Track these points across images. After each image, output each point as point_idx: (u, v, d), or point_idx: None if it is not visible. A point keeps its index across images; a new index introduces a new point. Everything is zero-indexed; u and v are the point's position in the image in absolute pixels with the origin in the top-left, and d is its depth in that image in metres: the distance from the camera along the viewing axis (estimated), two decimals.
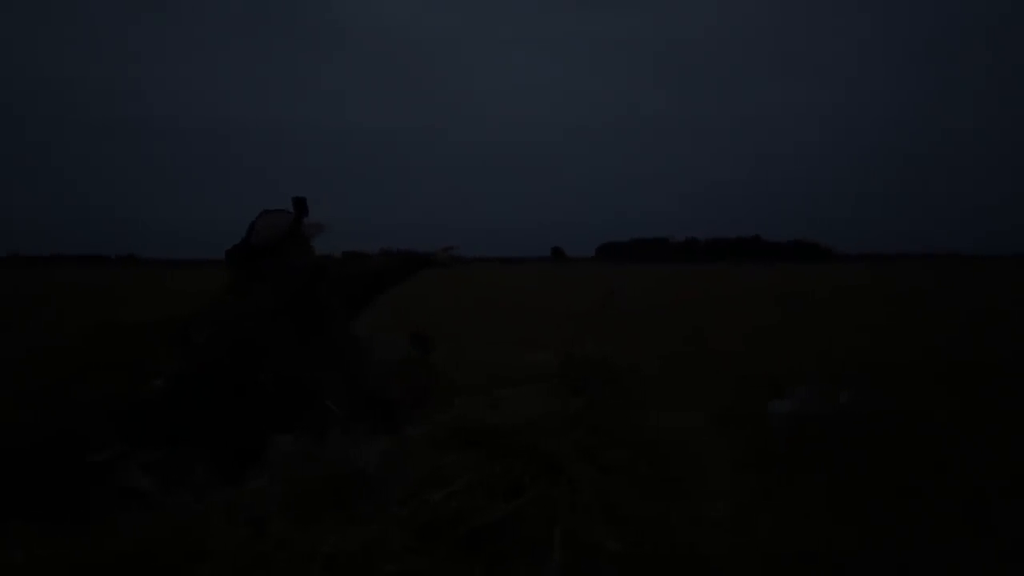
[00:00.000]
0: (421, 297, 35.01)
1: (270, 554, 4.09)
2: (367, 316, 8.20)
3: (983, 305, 25.51)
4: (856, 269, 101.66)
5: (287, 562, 3.98)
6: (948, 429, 7.95)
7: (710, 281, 57.06)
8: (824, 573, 4.86)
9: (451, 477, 5.79)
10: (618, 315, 23.36)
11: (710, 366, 12.26)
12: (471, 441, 7.17)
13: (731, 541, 5.05)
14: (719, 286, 47.71)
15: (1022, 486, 6.11)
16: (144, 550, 3.89)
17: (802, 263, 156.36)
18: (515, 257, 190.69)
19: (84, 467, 5.46)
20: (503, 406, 8.95)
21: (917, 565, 4.89)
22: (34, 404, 6.02)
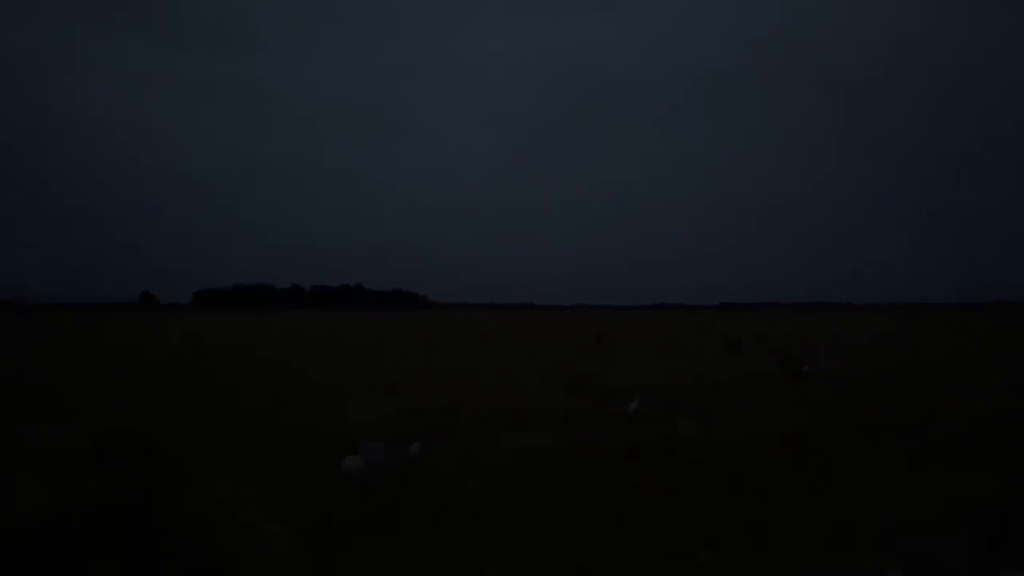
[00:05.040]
0: None
1: None
2: None
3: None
4: (452, 316, 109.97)
5: None
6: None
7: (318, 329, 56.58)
8: None
9: None
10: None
11: (278, 423, 11.63)
12: None
13: None
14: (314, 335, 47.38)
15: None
16: None
17: (401, 310, 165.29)
18: (95, 303, 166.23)
19: None
20: (6, 495, 7.21)
21: None
22: None
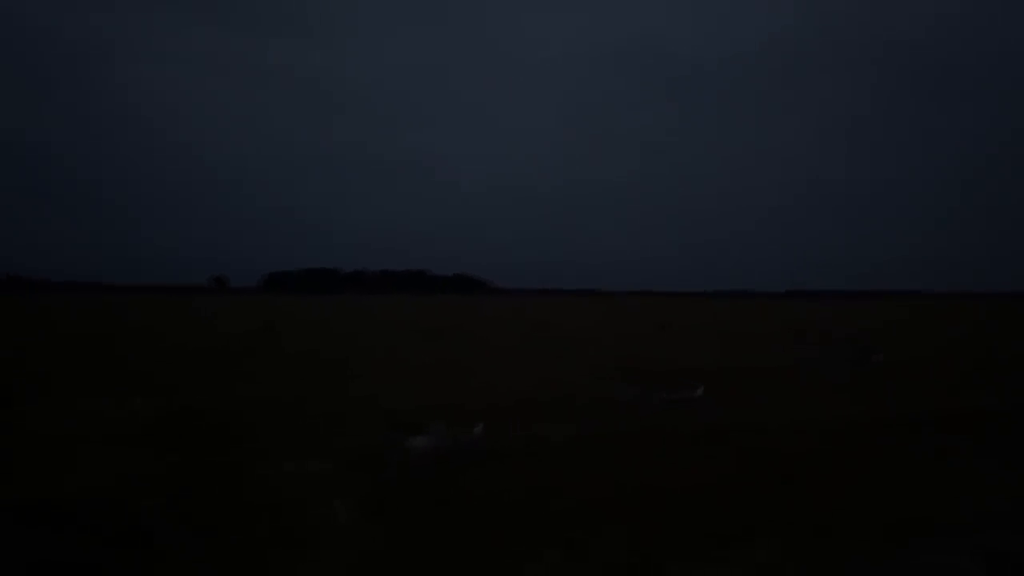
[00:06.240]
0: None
1: None
2: None
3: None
4: (513, 301, 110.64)
5: None
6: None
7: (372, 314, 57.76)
8: None
9: None
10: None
11: (346, 403, 11.97)
12: (35, 517, 6.00)
13: None
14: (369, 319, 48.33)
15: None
16: None
17: (463, 295, 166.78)
18: (173, 285, 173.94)
19: None
20: (82, 468, 7.67)
21: None
22: None
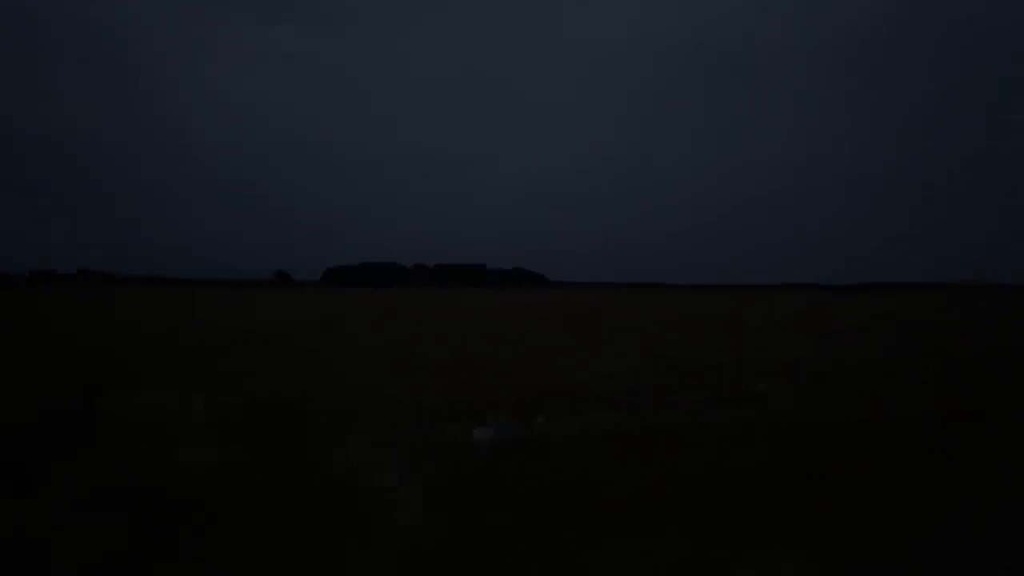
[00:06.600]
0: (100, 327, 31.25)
1: None
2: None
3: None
4: (570, 295, 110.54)
5: None
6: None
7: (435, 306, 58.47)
8: None
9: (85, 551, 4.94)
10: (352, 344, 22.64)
11: (412, 394, 12.19)
12: (120, 501, 6.35)
13: None
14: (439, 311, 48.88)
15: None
16: None
17: (522, 288, 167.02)
18: (234, 279, 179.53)
19: None
20: (164, 454, 8.06)
21: None
22: None
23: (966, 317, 40.97)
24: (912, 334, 26.89)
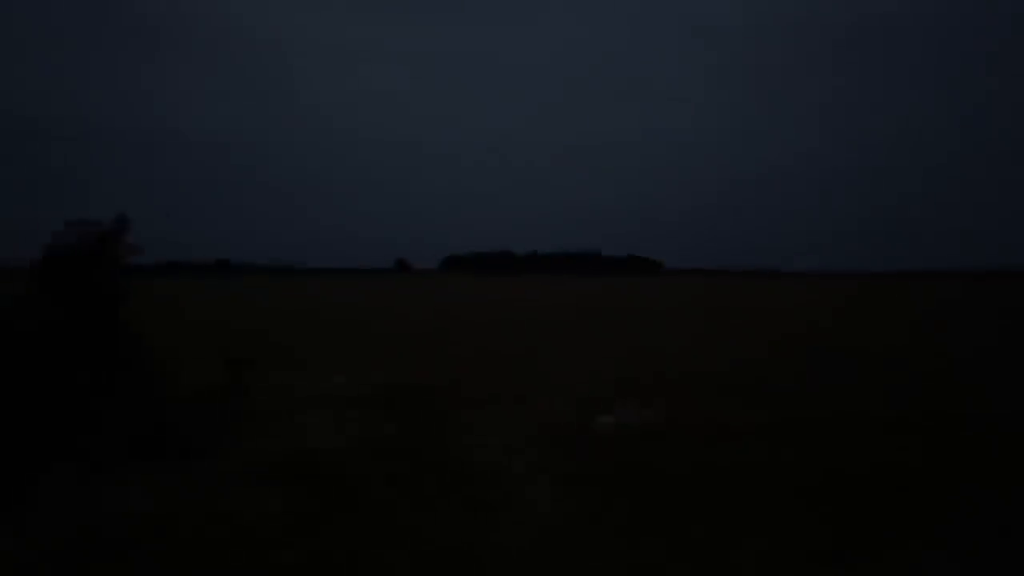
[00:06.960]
0: (246, 309, 33.39)
1: None
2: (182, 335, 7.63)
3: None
4: (686, 283, 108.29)
5: None
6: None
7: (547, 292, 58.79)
8: None
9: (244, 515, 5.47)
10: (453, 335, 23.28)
11: (536, 382, 12.45)
12: (274, 473, 6.91)
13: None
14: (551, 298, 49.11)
15: (810, 489, 6.59)
16: None
17: (636, 276, 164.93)
18: (360, 268, 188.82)
19: None
20: (313, 432, 8.68)
21: None
22: None
23: None
24: None
